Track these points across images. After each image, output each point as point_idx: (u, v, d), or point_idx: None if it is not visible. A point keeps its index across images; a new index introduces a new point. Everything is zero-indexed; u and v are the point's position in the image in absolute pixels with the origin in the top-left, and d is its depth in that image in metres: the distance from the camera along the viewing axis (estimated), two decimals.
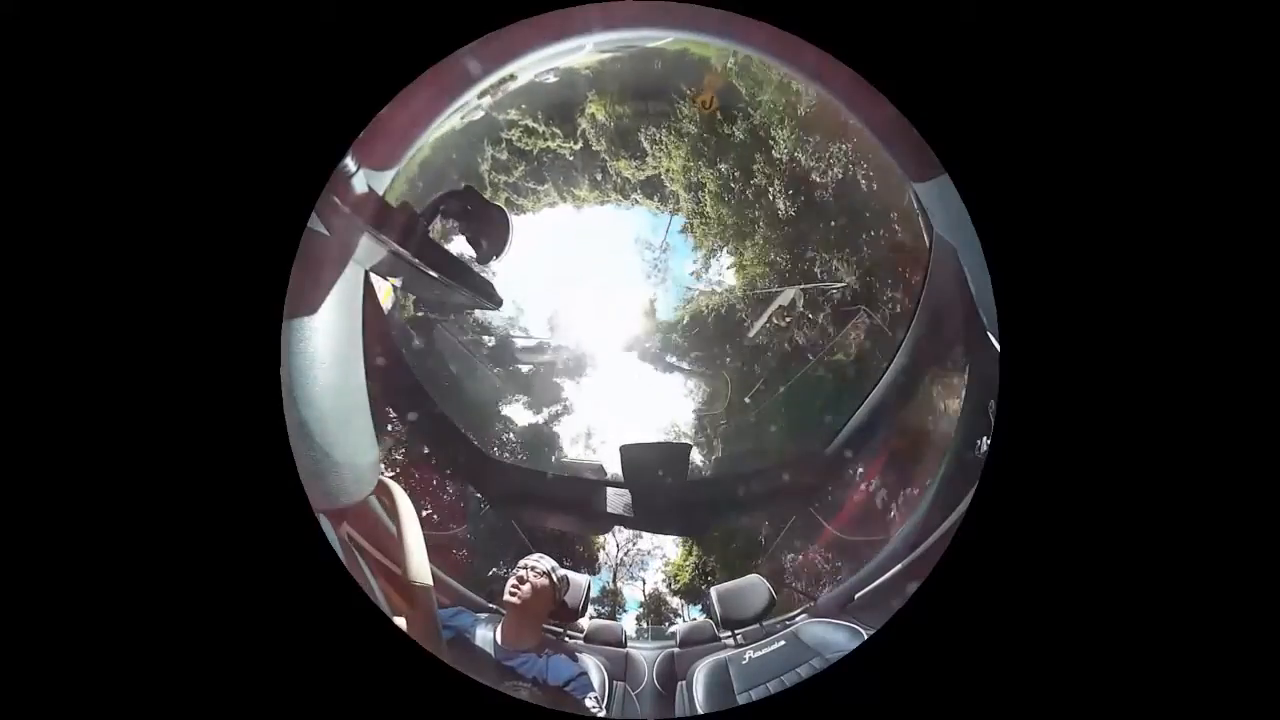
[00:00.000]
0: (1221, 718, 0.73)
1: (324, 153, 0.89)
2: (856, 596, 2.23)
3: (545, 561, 2.10)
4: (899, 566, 2.03)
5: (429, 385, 2.66)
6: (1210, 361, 0.77)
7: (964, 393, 2.02)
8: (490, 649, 1.94)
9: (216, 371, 0.78)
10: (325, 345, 1.12)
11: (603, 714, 2.06)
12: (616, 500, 2.54)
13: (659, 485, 2.57)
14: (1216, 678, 0.73)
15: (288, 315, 0.91)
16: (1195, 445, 0.77)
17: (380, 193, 1.28)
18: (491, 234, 1.31)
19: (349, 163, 1.05)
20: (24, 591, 0.72)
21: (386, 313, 2.46)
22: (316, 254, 1.09)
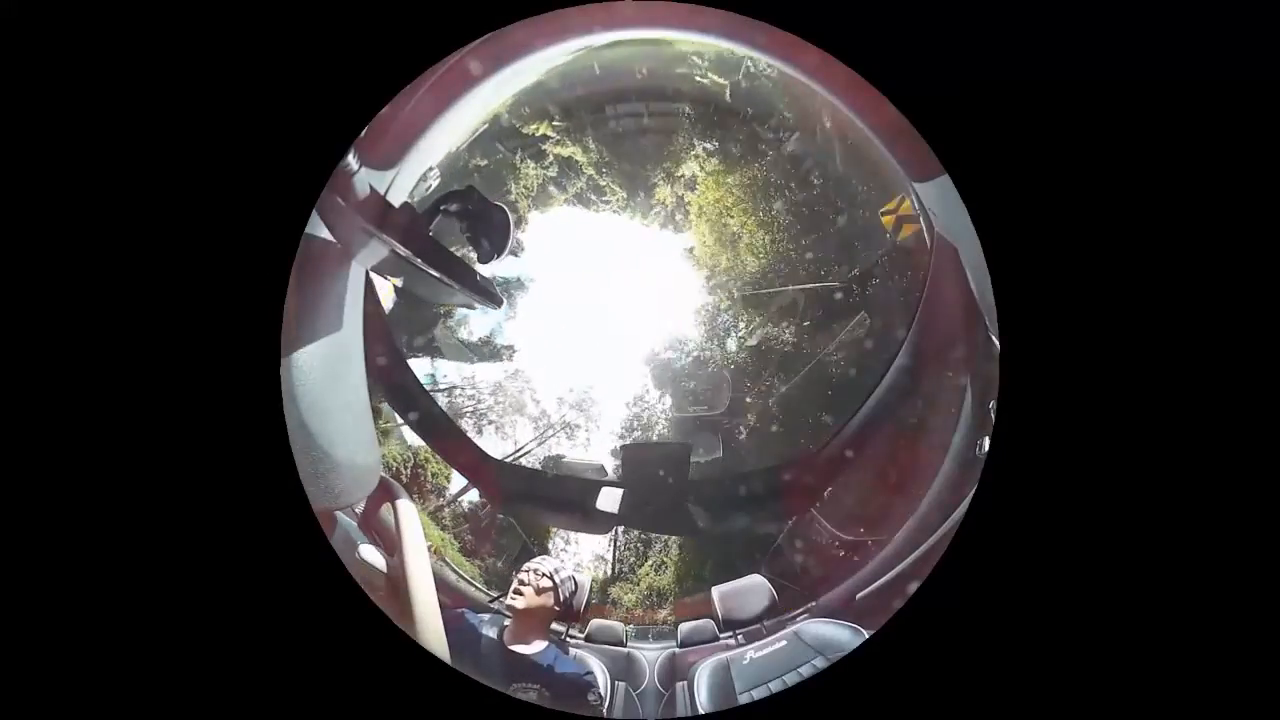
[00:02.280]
0: (1220, 717, 0.73)
1: (325, 152, 0.89)
2: (857, 596, 2.23)
3: (548, 564, 2.10)
4: (899, 566, 2.03)
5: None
6: (1211, 361, 0.77)
7: (964, 393, 2.02)
8: (494, 651, 1.94)
9: (217, 371, 0.78)
10: (326, 344, 1.12)
11: (605, 714, 2.06)
12: (617, 500, 2.54)
13: (659, 485, 2.57)
14: (1216, 677, 0.73)
15: (288, 315, 0.91)
16: (1196, 444, 0.77)
17: (382, 192, 1.28)
18: (493, 234, 1.31)
19: (350, 162, 1.05)
20: (24, 591, 0.72)
21: (387, 312, 2.47)
22: (317, 253, 1.09)
